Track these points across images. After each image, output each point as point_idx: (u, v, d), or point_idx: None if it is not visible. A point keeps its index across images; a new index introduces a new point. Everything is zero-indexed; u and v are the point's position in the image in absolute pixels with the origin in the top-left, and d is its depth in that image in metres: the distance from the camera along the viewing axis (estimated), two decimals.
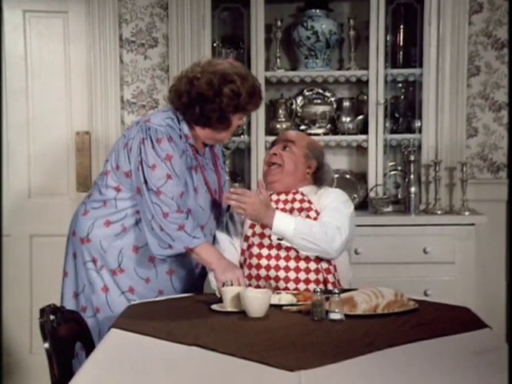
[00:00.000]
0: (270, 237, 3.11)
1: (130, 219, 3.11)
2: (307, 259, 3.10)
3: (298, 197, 3.22)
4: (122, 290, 3.12)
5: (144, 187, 3.00)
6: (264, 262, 3.12)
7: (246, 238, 3.18)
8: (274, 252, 3.12)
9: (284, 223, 3.01)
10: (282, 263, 3.10)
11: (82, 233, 3.16)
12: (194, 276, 3.22)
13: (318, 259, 3.09)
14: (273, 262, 3.11)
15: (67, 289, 3.21)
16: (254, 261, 3.12)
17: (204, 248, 3.03)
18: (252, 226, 3.16)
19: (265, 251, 3.13)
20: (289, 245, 3.05)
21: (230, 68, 3.08)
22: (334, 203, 3.17)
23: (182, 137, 3.08)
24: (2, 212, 4.31)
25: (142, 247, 3.10)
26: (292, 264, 3.10)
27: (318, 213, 3.15)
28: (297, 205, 3.19)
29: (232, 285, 2.91)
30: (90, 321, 3.07)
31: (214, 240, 3.23)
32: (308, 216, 3.14)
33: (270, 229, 3.05)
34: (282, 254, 3.11)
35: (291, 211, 3.16)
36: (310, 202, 3.19)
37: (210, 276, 3.11)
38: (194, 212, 3.08)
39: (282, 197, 3.22)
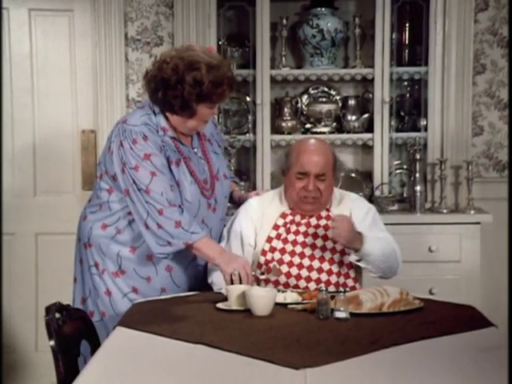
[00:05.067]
0: (293, 242, 3.10)
1: (123, 221, 3.11)
2: (329, 271, 3.08)
3: (324, 213, 3.18)
4: (124, 292, 3.13)
5: (134, 187, 2.99)
6: (284, 268, 3.10)
7: (269, 240, 3.14)
8: (296, 260, 3.10)
9: (371, 247, 3.03)
10: (304, 273, 3.08)
11: (84, 238, 3.18)
12: (193, 270, 3.20)
13: (341, 267, 3.10)
14: (294, 271, 3.09)
15: (76, 294, 3.25)
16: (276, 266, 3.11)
17: (204, 243, 3.01)
18: (276, 228, 3.13)
19: (286, 257, 3.10)
20: (364, 266, 3.07)
21: (200, 56, 2.99)
22: (367, 220, 3.18)
23: (158, 131, 3.05)
24: (3, 211, 4.31)
25: (139, 247, 3.10)
26: (314, 275, 3.08)
27: None
28: (323, 222, 3.14)
29: (239, 275, 2.91)
30: (98, 325, 3.08)
31: (221, 237, 3.23)
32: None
33: (356, 251, 3.03)
34: (306, 263, 3.09)
35: (316, 227, 3.12)
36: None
37: (215, 278, 3.09)
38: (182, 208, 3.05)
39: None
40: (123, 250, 3.12)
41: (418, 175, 4.39)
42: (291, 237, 3.12)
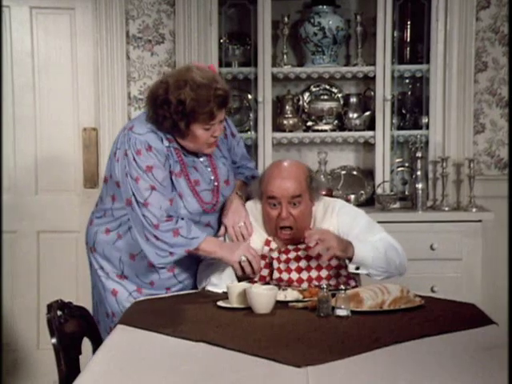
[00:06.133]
0: (287, 270, 3.04)
1: (124, 227, 3.10)
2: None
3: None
4: (130, 290, 3.13)
5: (133, 199, 2.96)
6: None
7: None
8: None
9: (363, 251, 2.96)
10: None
11: (90, 242, 3.19)
12: (196, 266, 3.18)
13: (339, 277, 3.05)
14: None
15: (95, 297, 3.25)
16: None
17: (205, 242, 2.99)
18: (263, 258, 3.05)
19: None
20: (365, 272, 2.99)
21: (191, 76, 2.93)
22: (360, 226, 3.10)
23: (163, 140, 2.99)
24: (5, 209, 4.31)
25: (138, 254, 3.08)
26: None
27: None
28: (312, 243, 3.01)
29: (248, 259, 2.92)
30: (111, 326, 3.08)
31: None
32: None
33: (350, 260, 2.97)
34: (304, 286, 3.01)
35: (307, 249, 3.03)
36: None
37: (213, 280, 3.05)
38: (183, 217, 3.02)
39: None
40: (124, 257, 3.12)
41: (419, 173, 4.38)
42: (284, 266, 3.06)
